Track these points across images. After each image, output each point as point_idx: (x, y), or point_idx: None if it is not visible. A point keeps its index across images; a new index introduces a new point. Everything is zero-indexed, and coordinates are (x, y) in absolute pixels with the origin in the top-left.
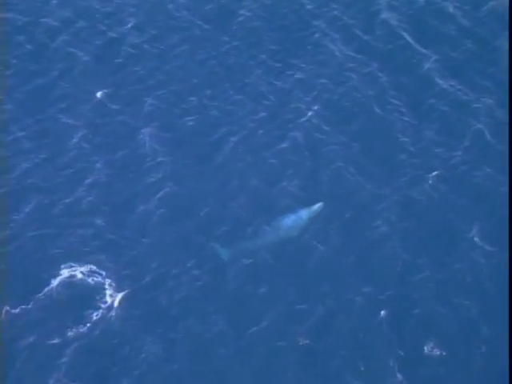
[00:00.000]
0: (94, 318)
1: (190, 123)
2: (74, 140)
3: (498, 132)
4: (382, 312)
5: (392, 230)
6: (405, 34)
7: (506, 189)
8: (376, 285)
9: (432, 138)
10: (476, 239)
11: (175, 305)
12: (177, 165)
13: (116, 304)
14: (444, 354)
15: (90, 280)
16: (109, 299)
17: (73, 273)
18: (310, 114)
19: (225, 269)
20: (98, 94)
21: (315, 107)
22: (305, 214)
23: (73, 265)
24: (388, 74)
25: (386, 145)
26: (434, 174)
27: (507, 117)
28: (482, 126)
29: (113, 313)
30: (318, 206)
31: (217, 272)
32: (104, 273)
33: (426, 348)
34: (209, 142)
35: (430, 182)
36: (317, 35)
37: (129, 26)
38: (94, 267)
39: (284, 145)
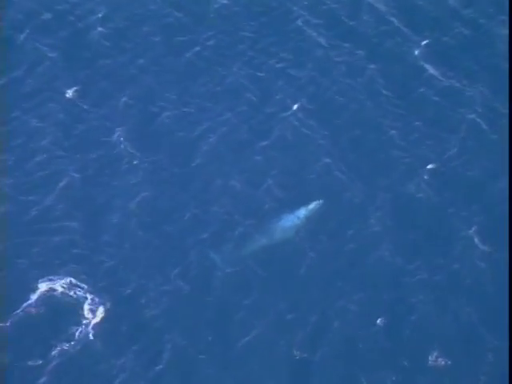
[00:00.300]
0: (76, 334)
1: (167, 121)
2: (44, 142)
3: (494, 122)
4: (379, 320)
5: (385, 230)
6: (393, 19)
7: (504, 184)
8: (370, 290)
9: (424, 131)
10: (474, 238)
11: (159, 317)
12: (154, 166)
13: (98, 319)
14: (449, 363)
15: (70, 294)
16: (90, 314)
17: (52, 286)
18: (294, 107)
19: (210, 277)
20: (68, 92)
21: (300, 99)
22: (302, 212)
23: (51, 278)
24: (376, 61)
25: (376, 139)
26: (427, 168)
27: (503, 105)
28: (477, 115)
29: (95, 328)
30: (315, 203)
31: (202, 281)
32: (84, 285)
33: (430, 358)
34: (188, 141)
35: (425, 177)
36: (299, 22)
37: (99, 15)
38: (73, 280)
39: (268, 141)
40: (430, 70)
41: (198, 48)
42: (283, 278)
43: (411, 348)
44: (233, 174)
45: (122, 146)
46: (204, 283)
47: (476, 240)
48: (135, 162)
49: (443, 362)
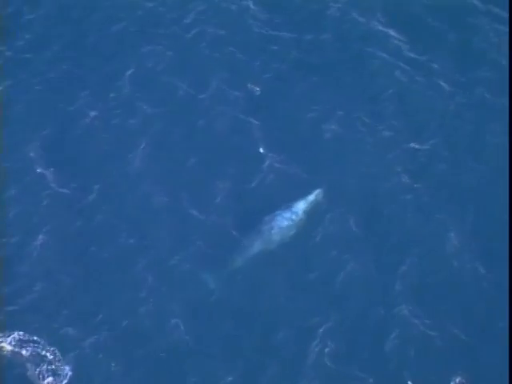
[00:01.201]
0: None
1: (86, 125)
2: None
3: (476, 95)
4: (387, 347)
5: (361, 238)
6: None
7: (487, 180)
8: (356, 310)
9: (394, 112)
10: (464, 242)
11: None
12: (79, 188)
13: (60, 377)
14: None
15: (22, 352)
16: (50, 373)
17: None
18: (235, 94)
19: (160, 322)
20: None
21: (241, 85)
22: (300, 207)
23: None
24: (323, 31)
25: (336, 125)
26: (404, 158)
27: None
28: (452, 86)
29: None
30: (315, 194)
31: (158, 325)
32: (36, 338)
33: None
34: (116, 149)
35: (400, 169)
36: None
37: None
38: (22, 334)
39: (209, 140)
40: (394, 36)
41: (117, 26)
42: (254, 306)
43: (431, 375)
44: (177, 187)
45: (36, 168)
46: (155, 330)
47: (467, 245)
48: (53, 183)
49: None
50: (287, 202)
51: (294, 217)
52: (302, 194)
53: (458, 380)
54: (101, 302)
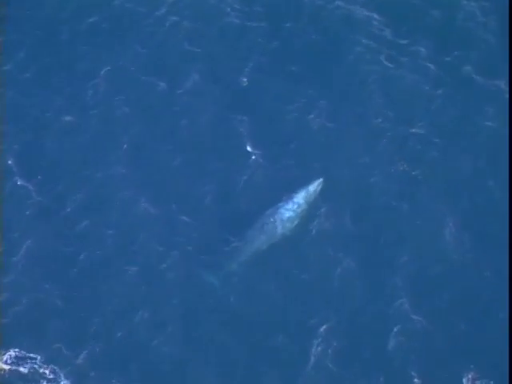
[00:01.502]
0: None
1: (59, 131)
2: None
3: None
4: (390, 344)
5: (354, 233)
6: None
7: (481, 164)
8: (353, 308)
9: (378, 109)
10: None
11: None
12: (53, 198)
13: None
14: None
15: (20, 369)
16: None
17: None
18: (211, 92)
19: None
20: None
21: (216, 85)
22: (301, 198)
23: None
24: (298, 20)
25: (323, 123)
26: (391, 154)
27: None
28: (441, 81)
29: None
30: (316, 184)
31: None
32: (32, 355)
33: (464, 381)
34: (91, 157)
35: (390, 166)
36: None
37: None
38: (18, 351)
39: (190, 142)
40: (376, 18)
41: (88, 24)
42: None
43: (442, 372)
44: (163, 188)
45: (16, 175)
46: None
47: (464, 235)
48: (35, 191)
49: None
50: (284, 196)
51: (295, 207)
52: (299, 187)
53: (470, 376)
54: (92, 312)
